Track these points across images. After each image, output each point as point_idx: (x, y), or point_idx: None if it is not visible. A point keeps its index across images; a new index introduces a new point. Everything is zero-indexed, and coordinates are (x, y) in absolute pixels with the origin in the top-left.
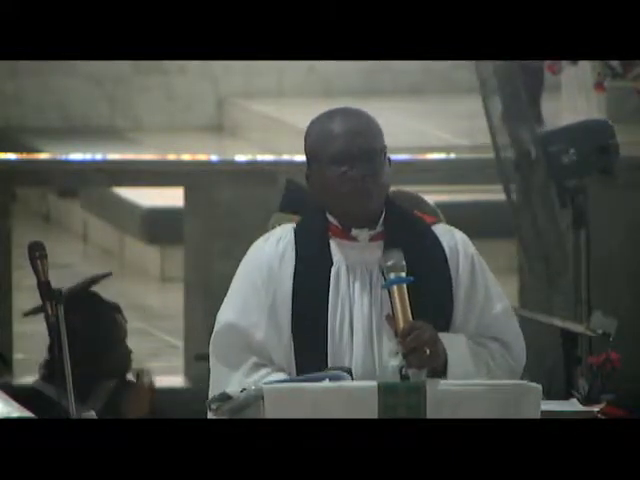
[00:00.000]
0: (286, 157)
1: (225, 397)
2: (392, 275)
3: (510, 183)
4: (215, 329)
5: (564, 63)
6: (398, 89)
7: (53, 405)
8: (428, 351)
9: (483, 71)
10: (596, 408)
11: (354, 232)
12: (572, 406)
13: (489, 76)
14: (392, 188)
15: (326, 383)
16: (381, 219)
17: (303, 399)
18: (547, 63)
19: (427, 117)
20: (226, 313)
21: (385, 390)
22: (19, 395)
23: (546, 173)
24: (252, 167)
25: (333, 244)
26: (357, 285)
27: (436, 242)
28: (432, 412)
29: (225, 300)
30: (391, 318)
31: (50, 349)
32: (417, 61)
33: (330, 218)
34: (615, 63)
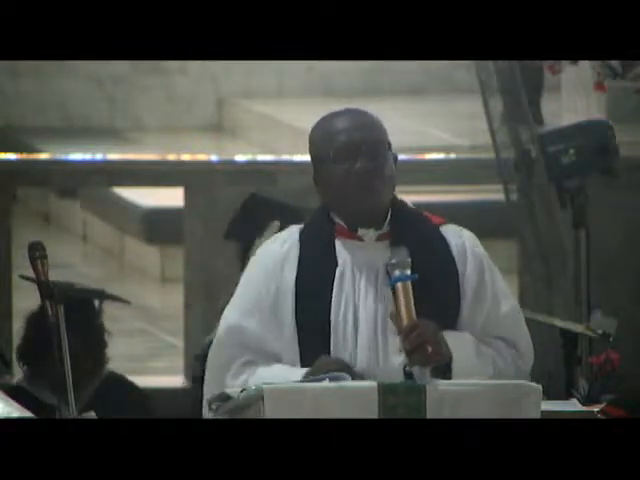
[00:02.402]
0: (286, 157)
1: (225, 397)
2: (396, 272)
3: (510, 183)
4: (217, 332)
5: (564, 63)
6: (398, 89)
7: (37, 403)
8: (430, 349)
9: (483, 71)
10: (596, 408)
11: (360, 232)
12: (572, 406)
13: (489, 76)
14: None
15: (326, 383)
16: (387, 219)
17: (303, 399)
18: (547, 63)
19: (427, 117)
20: (226, 315)
21: (385, 390)
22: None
23: (546, 173)
24: (252, 167)
25: (339, 244)
26: (362, 284)
27: (443, 241)
28: (432, 412)
29: (229, 302)
30: (395, 316)
31: (29, 339)
32: (417, 61)
33: (336, 219)
34: (615, 63)
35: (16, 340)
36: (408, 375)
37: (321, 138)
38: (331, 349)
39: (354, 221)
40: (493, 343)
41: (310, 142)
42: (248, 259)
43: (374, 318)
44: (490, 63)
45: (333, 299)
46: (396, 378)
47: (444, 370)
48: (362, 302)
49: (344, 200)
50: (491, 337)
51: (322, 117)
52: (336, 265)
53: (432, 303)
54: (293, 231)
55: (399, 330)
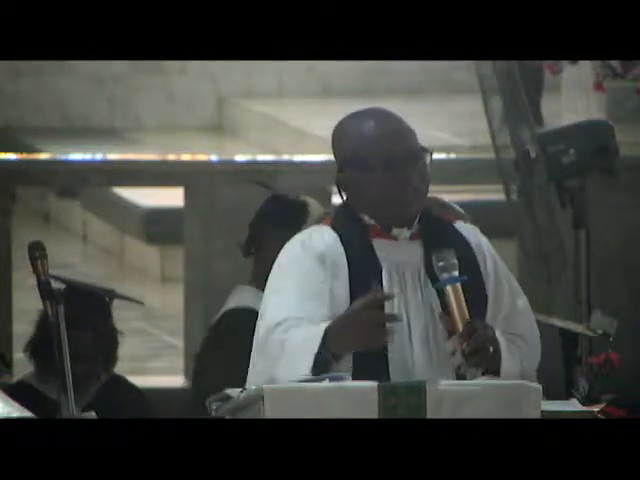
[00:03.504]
0: (286, 157)
1: (225, 397)
2: (445, 275)
3: (510, 183)
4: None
5: (564, 63)
6: (397, 89)
7: (44, 399)
8: (492, 349)
9: (483, 71)
10: (596, 408)
11: (395, 231)
12: (572, 406)
13: (489, 76)
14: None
15: (326, 383)
16: (417, 218)
17: (303, 399)
18: (547, 63)
19: (427, 117)
20: (278, 312)
21: (385, 390)
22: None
23: (546, 173)
24: (252, 167)
25: (375, 244)
26: (409, 284)
27: (464, 240)
28: (432, 412)
29: (270, 300)
30: (445, 317)
31: (37, 335)
32: (416, 61)
33: (366, 218)
34: (615, 63)
35: (26, 337)
36: (460, 377)
37: (357, 143)
38: (388, 354)
39: (391, 222)
40: (513, 340)
41: (339, 143)
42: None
43: (424, 318)
44: (490, 63)
45: (385, 302)
46: (448, 379)
47: (494, 371)
48: (412, 304)
49: (385, 204)
50: (509, 333)
51: (348, 118)
52: (380, 265)
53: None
54: (324, 229)
55: (451, 332)
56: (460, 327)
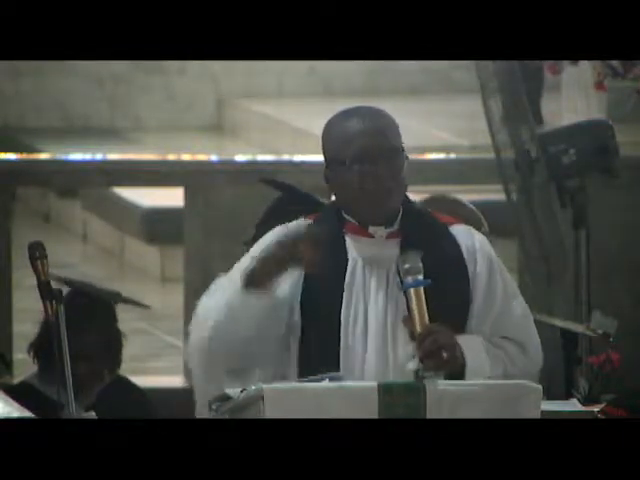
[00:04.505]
0: (286, 157)
1: (225, 397)
2: (409, 278)
3: (510, 183)
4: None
5: (564, 63)
6: (398, 89)
7: (46, 400)
8: (446, 355)
9: (483, 71)
10: (596, 408)
11: (371, 229)
12: (572, 406)
13: (489, 76)
14: (433, 191)
15: (326, 383)
16: (398, 217)
17: (303, 399)
18: (547, 63)
19: (427, 117)
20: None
21: (385, 390)
22: (11, 391)
23: (546, 173)
24: (252, 167)
25: (349, 240)
26: (373, 282)
27: (453, 241)
28: (432, 412)
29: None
30: (408, 320)
31: (41, 335)
32: (417, 61)
33: (347, 216)
34: (615, 63)
35: (29, 337)
36: (421, 380)
37: (338, 139)
38: (340, 349)
39: (366, 220)
40: (503, 345)
41: (324, 141)
42: None
43: (384, 319)
44: (490, 63)
45: (344, 297)
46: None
47: (457, 376)
48: (372, 301)
49: (358, 201)
50: (500, 339)
51: (336, 115)
52: (347, 260)
53: (441, 303)
54: (304, 222)
55: (412, 335)
56: (419, 330)
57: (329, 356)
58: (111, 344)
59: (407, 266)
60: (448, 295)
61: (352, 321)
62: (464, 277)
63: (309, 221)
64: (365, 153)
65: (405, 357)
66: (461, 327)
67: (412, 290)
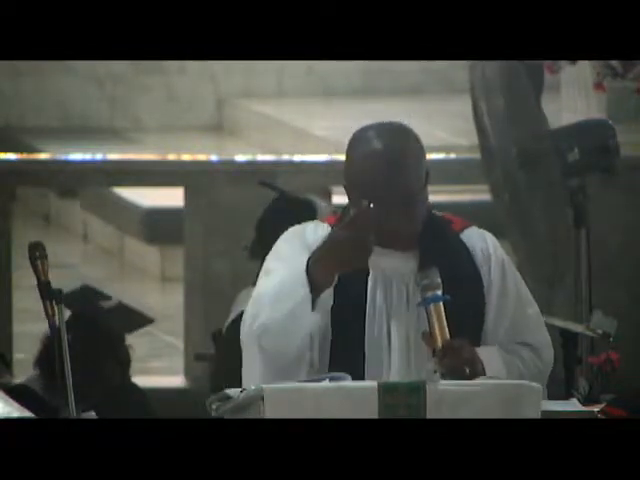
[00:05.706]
0: (286, 157)
1: (225, 397)
2: (428, 294)
3: (501, 182)
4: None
5: (562, 62)
6: (398, 89)
7: (43, 403)
8: (468, 371)
9: (484, 71)
10: (596, 408)
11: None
12: (572, 406)
13: (490, 76)
14: (432, 191)
15: (326, 383)
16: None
17: (303, 399)
18: (546, 63)
19: (427, 117)
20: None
21: (385, 390)
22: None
23: (550, 172)
24: (252, 167)
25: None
26: (394, 296)
27: (465, 248)
28: (432, 412)
29: (260, 280)
30: (428, 336)
31: (46, 345)
32: (417, 61)
33: None
34: (615, 63)
35: (38, 345)
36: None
37: (358, 172)
38: (365, 363)
39: (384, 245)
40: (518, 350)
41: (347, 159)
42: None
43: (405, 331)
44: (491, 63)
45: (367, 308)
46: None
47: None
48: (394, 313)
49: (377, 235)
50: (514, 344)
51: (359, 135)
52: (368, 272)
53: (457, 312)
54: (322, 225)
55: (433, 351)
56: (440, 346)
57: (354, 370)
58: (122, 353)
59: (426, 282)
60: (464, 301)
61: (376, 336)
62: (479, 284)
63: (325, 223)
64: (385, 199)
65: (427, 373)
66: (477, 332)
67: (432, 306)
